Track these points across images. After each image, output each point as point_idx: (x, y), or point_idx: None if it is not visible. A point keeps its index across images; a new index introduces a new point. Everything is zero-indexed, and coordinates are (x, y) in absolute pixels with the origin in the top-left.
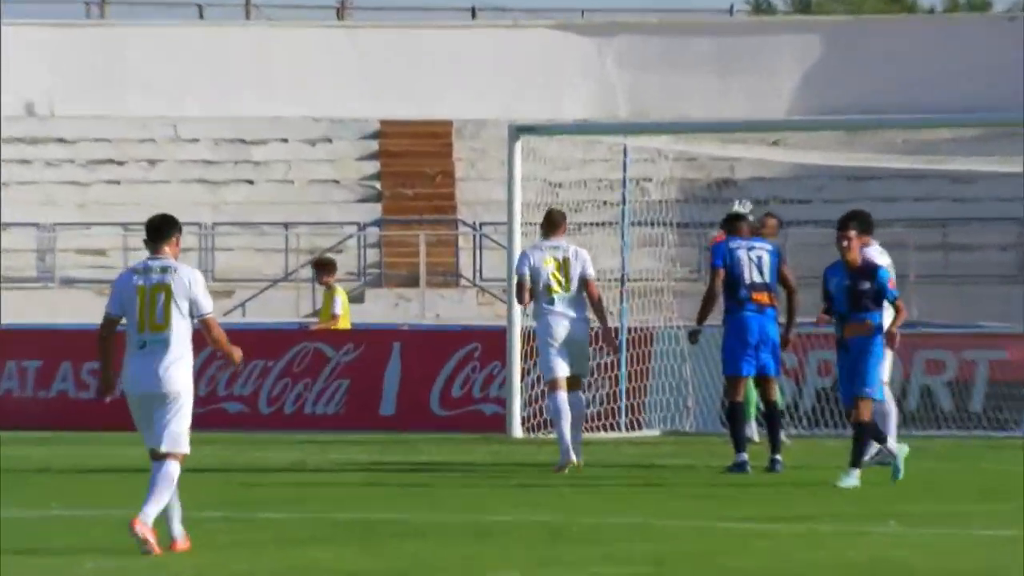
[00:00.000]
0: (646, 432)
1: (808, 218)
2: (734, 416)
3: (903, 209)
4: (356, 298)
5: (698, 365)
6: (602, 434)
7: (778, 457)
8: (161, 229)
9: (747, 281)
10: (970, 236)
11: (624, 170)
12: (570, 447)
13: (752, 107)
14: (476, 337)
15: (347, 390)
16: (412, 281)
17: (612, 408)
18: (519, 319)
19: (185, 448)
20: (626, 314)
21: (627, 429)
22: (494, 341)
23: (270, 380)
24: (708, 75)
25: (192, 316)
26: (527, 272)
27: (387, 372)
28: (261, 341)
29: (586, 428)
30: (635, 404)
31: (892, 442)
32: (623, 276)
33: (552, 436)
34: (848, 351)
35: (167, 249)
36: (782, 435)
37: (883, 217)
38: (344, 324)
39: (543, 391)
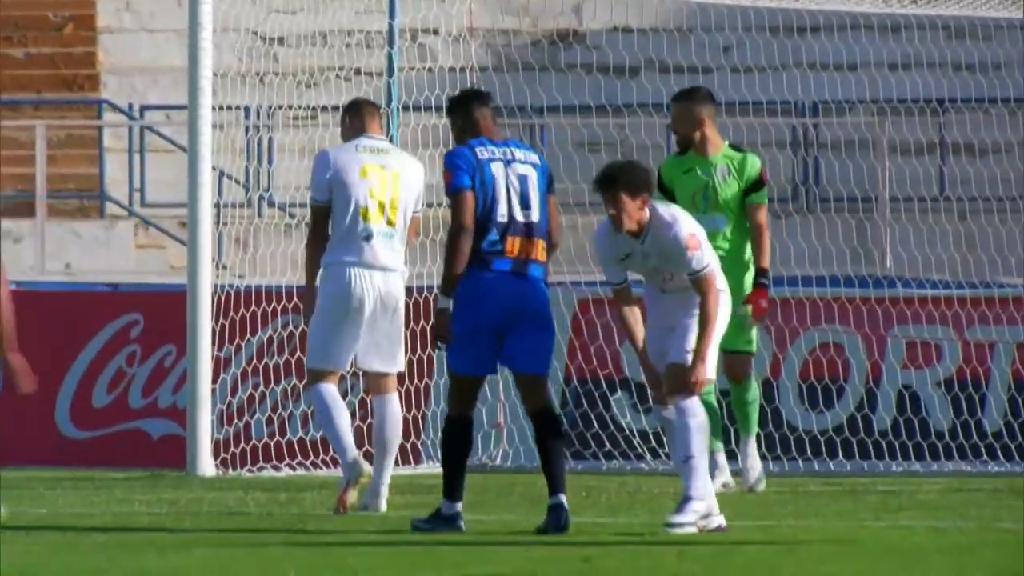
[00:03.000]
0: (424, 468)
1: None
2: (451, 441)
3: (870, 83)
4: None
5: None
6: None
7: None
8: None
9: (501, 217)
10: (976, 133)
11: (391, 15)
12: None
13: None
14: (135, 303)
15: None
16: (22, 208)
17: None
18: (208, 270)
19: None
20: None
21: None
22: (166, 310)
23: None
24: None
25: None
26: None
27: None
28: None
29: (301, 463)
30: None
31: None
32: None
33: (281, 474)
34: None
35: None
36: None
37: (832, 97)
38: None
39: (260, 396)
